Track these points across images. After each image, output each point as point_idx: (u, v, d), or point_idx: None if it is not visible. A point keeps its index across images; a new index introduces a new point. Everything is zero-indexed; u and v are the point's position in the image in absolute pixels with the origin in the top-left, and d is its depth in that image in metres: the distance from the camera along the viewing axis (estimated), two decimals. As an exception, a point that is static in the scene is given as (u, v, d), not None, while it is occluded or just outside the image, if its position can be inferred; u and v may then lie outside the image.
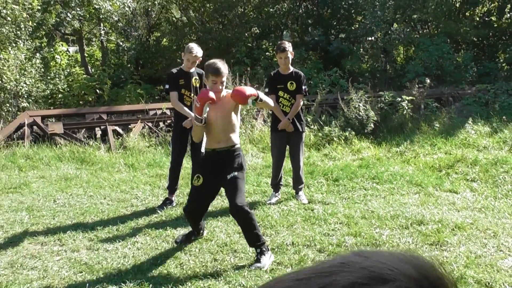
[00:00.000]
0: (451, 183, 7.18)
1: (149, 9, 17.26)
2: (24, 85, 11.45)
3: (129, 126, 10.37)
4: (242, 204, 4.51)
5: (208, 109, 4.57)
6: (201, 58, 6.19)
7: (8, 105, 11.40)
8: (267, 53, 15.85)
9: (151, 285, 4.11)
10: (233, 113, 4.68)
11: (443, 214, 5.71)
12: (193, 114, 5.94)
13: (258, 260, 4.48)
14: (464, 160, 8.14)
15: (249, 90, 4.61)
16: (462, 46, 16.66)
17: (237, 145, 4.78)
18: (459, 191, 6.77)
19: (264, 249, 4.53)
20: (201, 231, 5.14)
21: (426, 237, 5.02)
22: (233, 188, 4.58)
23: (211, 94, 4.46)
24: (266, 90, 6.51)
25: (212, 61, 4.64)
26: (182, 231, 5.33)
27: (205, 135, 4.86)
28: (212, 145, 4.72)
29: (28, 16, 11.97)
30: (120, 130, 10.28)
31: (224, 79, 4.60)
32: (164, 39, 17.57)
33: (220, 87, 4.58)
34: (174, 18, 17.34)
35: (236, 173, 4.63)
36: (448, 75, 13.94)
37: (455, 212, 5.86)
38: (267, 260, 4.49)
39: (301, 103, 6.43)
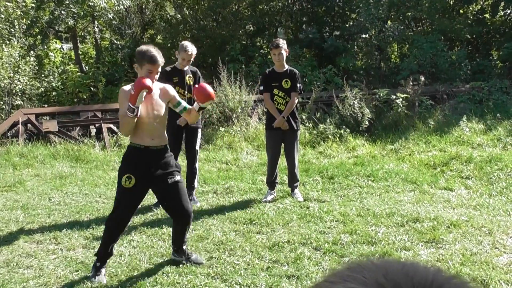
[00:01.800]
0: (446, 180, 7.21)
1: (143, 7, 17.21)
2: (18, 82, 11.40)
3: (124, 124, 10.33)
4: (190, 209, 4.47)
5: (143, 99, 4.11)
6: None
7: (1, 103, 11.35)
8: (261, 51, 15.84)
9: (148, 284, 4.11)
10: (166, 108, 4.39)
11: (439, 212, 5.74)
12: None
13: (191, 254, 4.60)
14: (459, 158, 8.17)
15: (210, 89, 4.34)
16: (456, 43, 16.70)
17: (167, 143, 4.47)
18: (454, 189, 6.81)
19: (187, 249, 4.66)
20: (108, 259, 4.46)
21: (422, 234, 5.04)
22: (179, 193, 4.37)
23: (148, 82, 4.05)
24: (261, 88, 6.51)
25: (145, 47, 4.24)
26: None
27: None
28: (144, 141, 4.26)
29: (21, 13, 11.92)
30: (114, 128, 10.25)
31: (160, 68, 4.25)
32: (158, 37, 17.53)
33: (155, 78, 4.24)
34: (168, 16, 17.30)
35: (178, 177, 4.39)
36: (442, 73, 13.98)
37: (450, 210, 5.89)
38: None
39: (296, 101, 6.42)
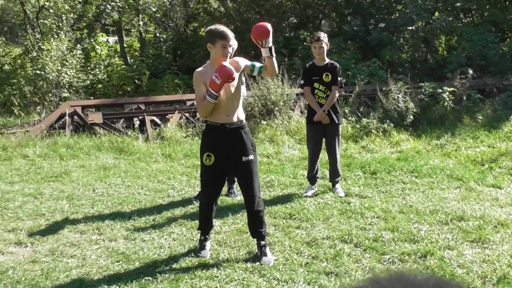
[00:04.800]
0: (494, 177, 6.96)
1: (187, 0, 17.33)
2: (66, 75, 11.67)
3: (167, 116, 10.44)
4: (259, 191, 4.58)
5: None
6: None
7: (50, 95, 11.66)
8: (304, 43, 15.71)
9: (186, 276, 4.13)
10: (239, 82, 4.47)
11: (485, 210, 5.54)
12: None
13: (265, 254, 4.48)
14: (509, 154, 7.88)
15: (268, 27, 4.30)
16: (508, 34, 16.14)
17: (244, 121, 4.58)
18: (502, 186, 6.56)
19: (266, 241, 4.60)
20: (210, 232, 4.81)
21: (467, 233, 4.88)
22: (250, 173, 4.49)
23: (234, 73, 4.20)
24: (302, 82, 6.46)
25: (212, 26, 4.40)
26: (218, 222, 5.33)
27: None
28: (220, 119, 4.42)
29: (69, 8, 12.19)
30: (157, 120, 10.36)
31: (232, 42, 4.41)
32: (202, 30, 17.63)
33: (230, 52, 4.40)
34: (211, 9, 17.36)
35: (252, 157, 4.49)
36: (493, 65, 13.53)
37: (498, 208, 5.68)
38: (270, 252, 4.53)
39: (337, 94, 6.33)
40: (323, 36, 6.17)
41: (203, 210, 4.67)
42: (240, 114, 4.49)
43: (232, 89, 4.40)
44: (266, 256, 4.45)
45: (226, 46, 4.28)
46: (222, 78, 4.12)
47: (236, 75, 4.30)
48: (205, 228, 4.70)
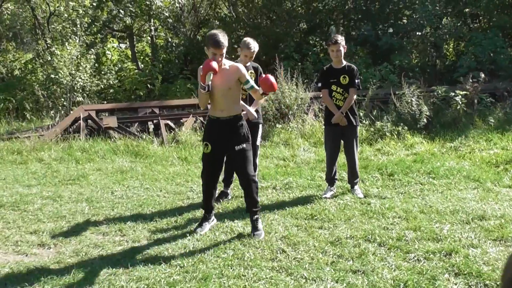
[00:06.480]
0: (510, 179, 6.99)
1: (198, 6, 17.41)
2: (80, 79, 11.75)
3: (181, 120, 10.50)
4: (253, 174, 5.11)
5: (211, 77, 4.74)
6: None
7: (62, 99, 11.73)
8: (314, 49, 15.76)
9: (213, 276, 4.14)
10: (234, 84, 4.94)
11: (505, 210, 5.58)
12: (247, 107, 5.98)
13: (256, 228, 5.07)
14: (523, 156, 7.91)
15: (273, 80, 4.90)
16: (516, 40, 16.16)
17: (240, 115, 5.09)
18: (520, 187, 6.58)
19: (259, 215, 5.20)
20: (212, 215, 5.37)
21: (489, 232, 4.91)
22: (243, 159, 5.02)
23: (214, 65, 4.63)
24: (319, 84, 6.50)
25: (213, 32, 4.82)
26: (241, 223, 5.38)
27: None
28: (216, 114, 5.00)
29: (83, 12, 12.30)
30: (172, 124, 10.42)
31: (224, 51, 4.77)
32: (212, 35, 17.68)
33: (220, 59, 4.76)
34: (222, 14, 17.44)
35: (244, 145, 5.00)
36: (502, 70, 13.56)
37: (517, 208, 5.70)
38: (261, 226, 5.15)
39: (354, 97, 6.37)
40: (340, 39, 6.22)
41: (203, 191, 5.29)
42: (234, 110, 5.01)
43: (224, 89, 4.90)
44: (257, 230, 5.05)
45: (217, 55, 4.73)
46: (203, 70, 4.69)
47: (230, 75, 4.91)
48: (206, 208, 5.30)
